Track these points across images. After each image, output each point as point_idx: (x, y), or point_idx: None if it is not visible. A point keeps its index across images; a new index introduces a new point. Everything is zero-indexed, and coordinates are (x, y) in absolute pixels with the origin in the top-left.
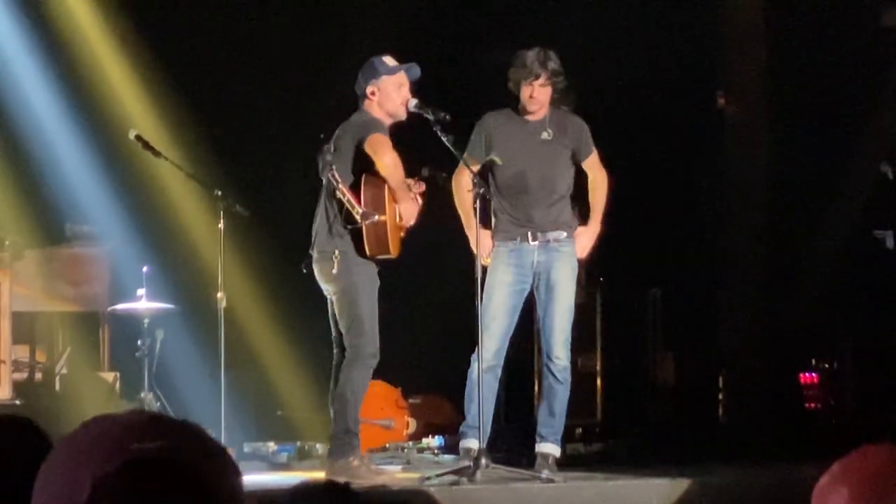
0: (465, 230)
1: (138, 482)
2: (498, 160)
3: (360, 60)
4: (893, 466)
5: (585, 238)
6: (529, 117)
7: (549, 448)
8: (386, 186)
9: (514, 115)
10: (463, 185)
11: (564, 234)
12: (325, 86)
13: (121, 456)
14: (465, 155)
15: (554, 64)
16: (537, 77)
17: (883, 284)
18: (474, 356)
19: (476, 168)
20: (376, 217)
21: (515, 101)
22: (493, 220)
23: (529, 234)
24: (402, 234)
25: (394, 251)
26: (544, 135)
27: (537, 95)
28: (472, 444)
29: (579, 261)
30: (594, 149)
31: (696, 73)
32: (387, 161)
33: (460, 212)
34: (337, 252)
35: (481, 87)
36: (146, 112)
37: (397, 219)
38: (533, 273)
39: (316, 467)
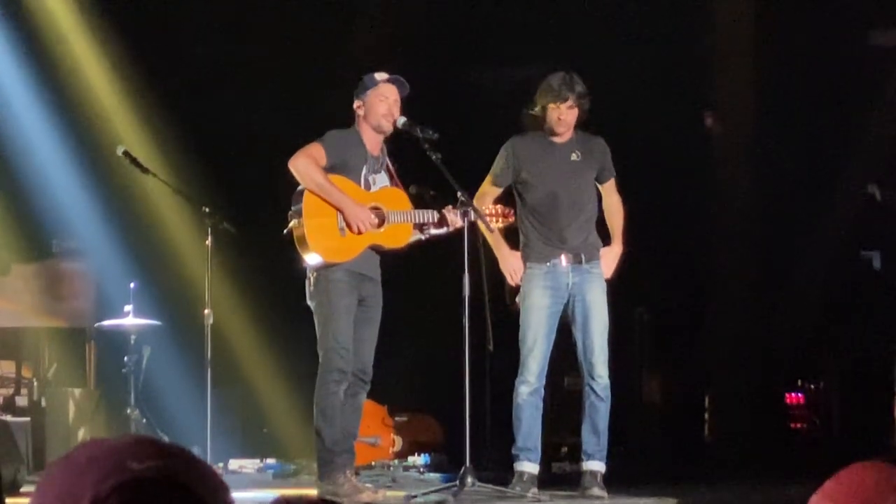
0: (493, 248)
1: (135, 500)
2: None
3: (350, 77)
4: (883, 484)
5: (611, 258)
6: (556, 139)
7: (596, 466)
8: (305, 192)
9: (541, 138)
10: (483, 207)
11: (595, 255)
12: (315, 102)
13: (118, 475)
14: (490, 179)
15: (580, 87)
16: (565, 100)
17: (869, 305)
18: (520, 380)
19: (499, 192)
20: (294, 221)
21: (536, 124)
22: (521, 240)
23: (563, 256)
24: (366, 241)
25: (327, 254)
26: (573, 156)
27: (565, 118)
28: (526, 467)
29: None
30: (614, 172)
31: (685, 93)
32: (293, 163)
33: (484, 231)
34: (313, 273)
35: (472, 106)
36: (134, 128)
37: (338, 222)
38: (568, 295)
39: (302, 484)
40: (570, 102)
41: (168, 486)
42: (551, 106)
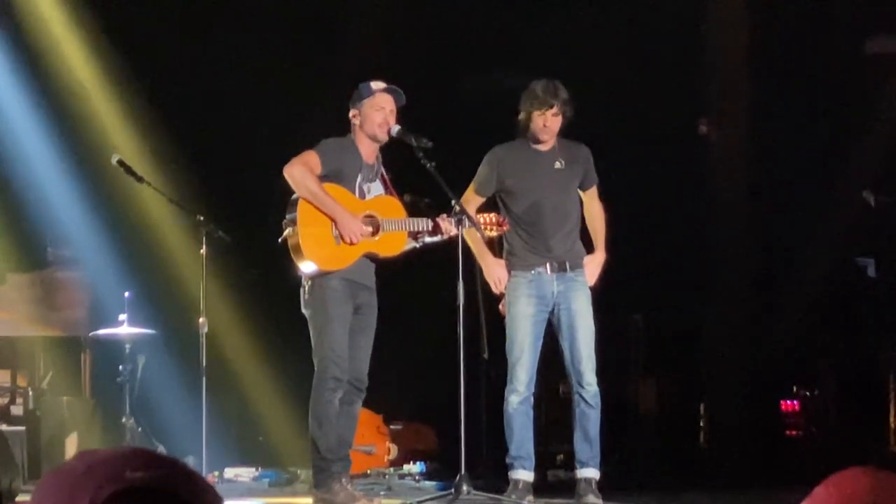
0: (476, 257)
1: None
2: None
3: (344, 85)
4: (875, 490)
5: (594, 266)
6: (540, 147)
7: (590, 473)
8: (300, 200)
9: (525, 146)
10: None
11: (579, 263)
12: (310, 111)
13: (114, 484)
14: (473, 188)
15: (564, 94)
16: (550, 107)
17: (864, 312)
18: (509, 389)
19: (482, 201)
20: (289, 229)
21: (522, 132)
22: (505, 248)
23: (548, 264)
24: (361, 249)
25: (323, 263)
26: (557, 164)
27: (550, 125)
28: (521, 475)
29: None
30: (597, 179)
31: (680, 100)
32: (288, 171)
33: (468, 240)
34: (308, 281)
35: (464, 114)
36: (128, 137)
37: (332, 231)
38: (553, 303)
39: (297, 493)
40: (555, 109)
41: (163, 495)
42: (536, 113)
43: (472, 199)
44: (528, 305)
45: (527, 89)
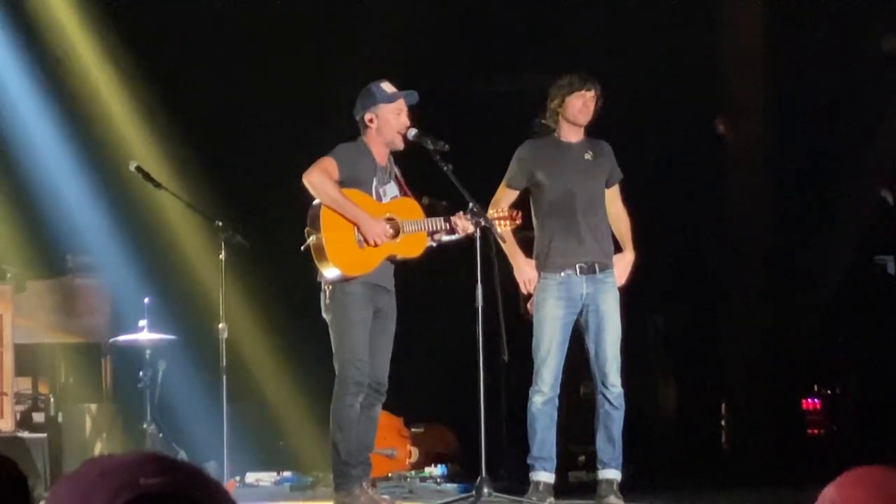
0: (508, 256)
1: None
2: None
3: (361, 89)
4: (886, 490)
5: (623, 266)
6: (570, 139)
7: (612, 474)
8: (322, 206)
9: (554, 140)
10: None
11: (608, 264)
12: (326, 114)
13: (129, 490)
14: (505, 182)
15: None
16: (590, 89)
17: (884, 310)
18: (534, 389)
19: (514, 196)
20: (312, 236)
21: (548, 132)
22: (535, 248)
23: (578, 266)
24: (384, 252)
25: (347, 268)
26: (587, 156)
27: (590, 105)
28: (542, 476)
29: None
30: (622, 175)
31: (696, 99)
32: (308, 178)
33: (500, 242)
34: (329, 286)
35: (481, 116)
36: (146, 143)
37: (355, 235)
38: (581, 304)
39: (318, 497)
40: (593, 92)
41: (178, 501)
42: (575, 94)
43: (504, 195)
44: (557, 308)
45: (556, 83)
